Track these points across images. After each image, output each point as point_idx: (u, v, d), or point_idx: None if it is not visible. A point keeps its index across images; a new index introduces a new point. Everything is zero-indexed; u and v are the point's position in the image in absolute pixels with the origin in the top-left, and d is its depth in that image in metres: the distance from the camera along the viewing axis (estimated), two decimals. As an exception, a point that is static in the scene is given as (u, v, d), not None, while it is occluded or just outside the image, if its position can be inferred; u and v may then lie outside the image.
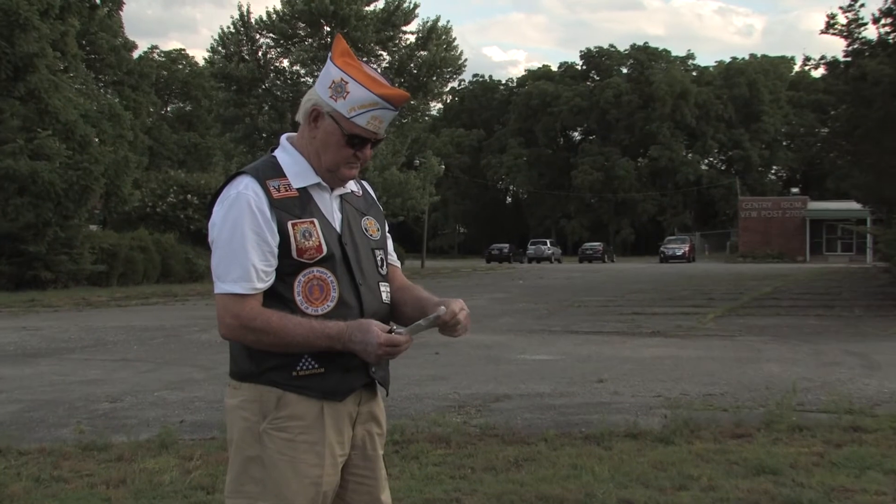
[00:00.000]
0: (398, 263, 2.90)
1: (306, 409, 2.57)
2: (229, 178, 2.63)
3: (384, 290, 2.74)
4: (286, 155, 2.67)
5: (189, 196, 36.95)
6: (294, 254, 2.55)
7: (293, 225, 2.56)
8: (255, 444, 2.58)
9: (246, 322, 2.50)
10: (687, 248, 66.83)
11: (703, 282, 33.02)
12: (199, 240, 36.03)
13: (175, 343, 13.98)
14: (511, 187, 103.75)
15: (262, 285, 2.53)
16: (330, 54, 2.62)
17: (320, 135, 2.62)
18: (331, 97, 2.57)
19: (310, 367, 2.56)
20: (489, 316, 18.53)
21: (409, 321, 2.67)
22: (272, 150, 2.71)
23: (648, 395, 8.92)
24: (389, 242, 2.86)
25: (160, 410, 8.23)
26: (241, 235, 2.52)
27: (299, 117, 2.68)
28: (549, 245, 72.70)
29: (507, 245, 71.62)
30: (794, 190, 78.89)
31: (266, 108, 50.34)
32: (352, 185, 2.77)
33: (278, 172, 2.62)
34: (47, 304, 22.63)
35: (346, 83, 2.55)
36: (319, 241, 2.58)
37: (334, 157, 2.61)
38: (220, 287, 2.54)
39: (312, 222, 2.59)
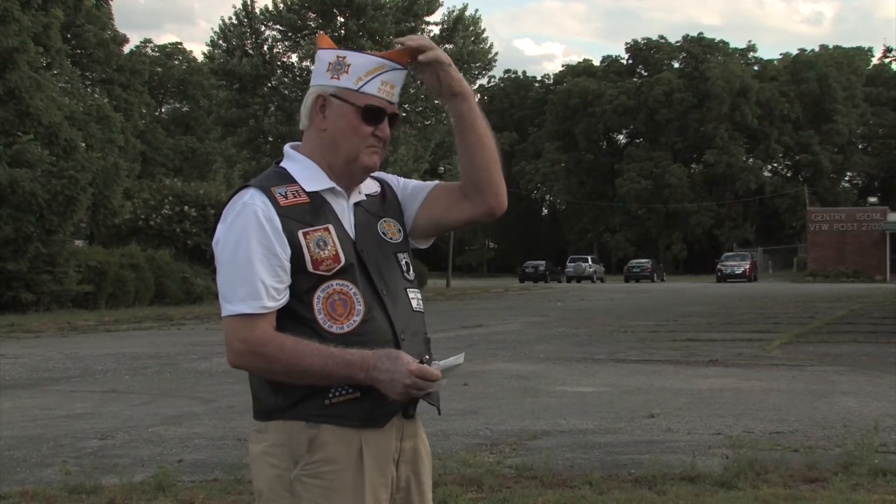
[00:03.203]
0: (434, 182, 2.89)
1: (344, 450, 2.56)
2: (232, 193, 2.65)
3: (413, 296, 2.73)
4: (294, 163, 2.70)
5: (186, 208, 37.17)
6: (310, 266, 2.55)
7: (305, 234, 2.56)
8: (287, 494, 2.56)
9: (256, 347, 2.50)
10: (748, 266, 66.55)
11: (767, 304, 32.83)
12: (197, 257, 36.28)
13: (171, 372, 14.05)
14: (547, 197, 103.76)
15: (273, 304, 2.53)
16: (316, 49, 2.71)
17: (331, 123, 2.65)
18: (332, 78, 2.63)
19: (344, 392, 2.55)
20: (524, 342, 18.50)
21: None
22: (278, 163, 2.74)
23: (706, 432, 8.87)
24: (414, 183, 2.86)
25: (156, 448, 8.26)
26: (247, 249, 2.52)
27: (303, 122, 2.71)
28: (590, 262, 72.63)
29: (542, 262, 71.64)
30: (872, 200, 78.38)
31: (272, 108, 50.56)
32: (368, 188, 2.76)
33: (286, 179, 2.64)
34: (28, 328, 22.81)
35: (344, 57, 2.63)
36: (336, 250, 2.58)
37: (352, 142, 2.63)
38: (227, 308, 2.54)
39: (327, 229, 2.60)
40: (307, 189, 2.62)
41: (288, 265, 2.55)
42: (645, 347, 17.33)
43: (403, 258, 2.75)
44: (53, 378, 13.54)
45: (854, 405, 10.47)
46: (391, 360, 2.48)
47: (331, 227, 2.60)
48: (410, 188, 2.85)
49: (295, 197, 2.60)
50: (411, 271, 2.77)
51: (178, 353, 16.74)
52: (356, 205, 2.71)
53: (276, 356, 2.49)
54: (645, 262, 72.92)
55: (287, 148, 2.76)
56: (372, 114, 2.62)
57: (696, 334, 19.86)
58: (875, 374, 13.23)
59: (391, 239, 2.74)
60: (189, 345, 18.45)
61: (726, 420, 9.50)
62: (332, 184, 2.65)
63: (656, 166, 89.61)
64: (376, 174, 2.81)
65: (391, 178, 2.87)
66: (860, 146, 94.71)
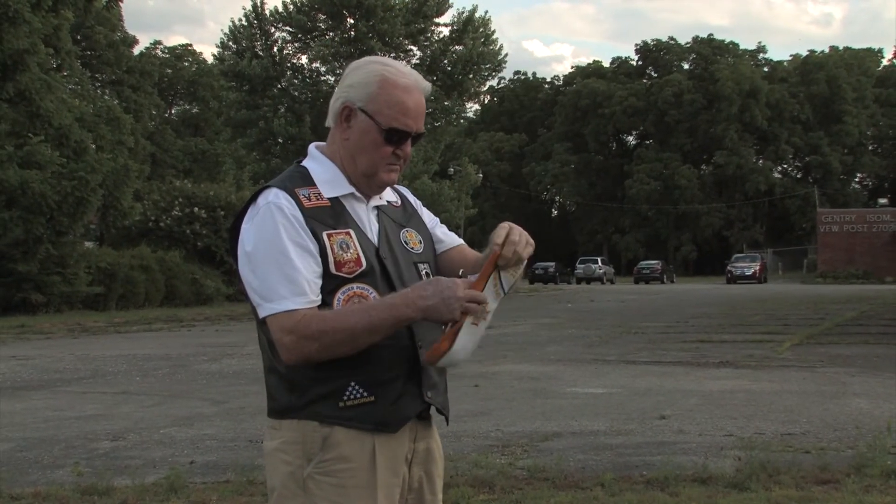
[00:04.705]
0: (461, 241, 2.90)
1: (357, 449, 2.56)
2: (254, 194, 2.65)
3: None
4: (315, 164, 2.70)
5: (196, 209, 37.21)
6: (332, 268, 2.56)
7: (328, 236, 2.57)
8: (300, 492, 2.57)
9: (302, 331, 2.48)
10: (758, 267, 66.49)
11: (778, 305, 32.76)
12: (207, 258, 36.33)
13: (182, 374, 14.07)
14: (557, 198, 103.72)
15: (317, 298, 2.52)
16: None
17: (354, 135, 2.64)
18: None
19: (358, 395, 2.55)
20: (534, 344, 18.49)
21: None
22: (299, 162, 2.74)
23: (718, 433, 8.86)
24: (442, 229, 2.89)
25: (167, 450, 8.28)
26: (283, 247, 2.52)
27: (329, 121, 2.71)
28: (600, 263, 72.56)
29: (552, 264, 71.49)
30: (882, 201, 78.26)
31: (282, 109, 50.70)
32: (389, 196, 2.78)
33: (307, 181, 2.65)
34: (39, 330, 22.86)
35: None
36: (358, 254, 2.59)
37: (371, 159, 2.63)
38: (269, 308, 2.52)
39: (348, 233, 2.60)
40: (326, 195, 2.63)
41: (320, 261, 2.55)
42: (655, 349, 17.31)
43: (424, 269, 2.75)
44: (64, 379, 13.56)
45: (866, 406, 10.44)
46: (432, 284, 2.49)
47: (352, 232, 2.61)
48: (439, 233, 2.88)
49: (317, 199, 2.61)
50: None
51: (188, 355, 16.76)
52: (378, 209, 2.73)
53: (322, 329, 2.47)
54: (655, 263, 72.88)
55: (311, 147, 2.76)
56: (395, 135, 2.62)
57: (707, 336, 19.81)
58: (887, 376, 13.19)
59: (412, 249, 2.75)
60: (199, 346, 18.48)
61: (738, 421, 9.48)
62: (351, 189, 2.67)
63: (666, 167, 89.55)
64: (397, 187, 2.84)
65: (413, 200, 2.88)
66: (870, 147, 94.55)
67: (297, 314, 2.49)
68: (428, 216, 2.89)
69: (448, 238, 2.88)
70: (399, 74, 2.64)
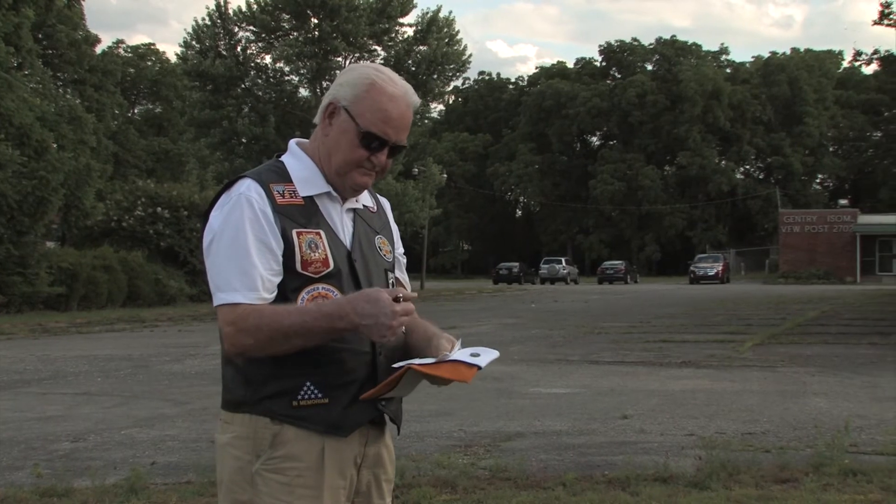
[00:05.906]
0: (408, 286, 2.91)
1: (306, 449, 2.57)
2: (229, 182, 2.66)
3: None
4: (294, 160, 2.71)
5: (159, 209, 36.97)
6: (298, 266, 2.57)
7: (298, 234, 2.58)
8: (247, 486, 2.58)
9: (241, 325, 2.50)
10: (720, 268, 66.95)
11: (740, 305, 33.00)
12: (170, 258, 36.10)
13: (144, 374, 13.99)
14: (521, 199, 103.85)
15: (269, 295, 2.54)
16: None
17: (333, 133, 2.65)
18: None
19: (312, 396, 2.56)
20: (498, 343, 18.48)
21: (412, 351, 2.68)
22: (278, 156, 2.75)
23: (679, 433, 8.92)
24: (401, 267, 2.89)
25: (128, 451, 8.23)
26: (245, 240, 2.54)
27: (316, 118, 2.73)
28: (564, 264, 72.75)
29: (516, 264, 71.72)
30: (843, 202, 78.86)
31: (246, 109, 50.52)
32: (367, 200, 2.79)
33: (283, 177, 2.65)
34: (-1, 330, 22.65)
35: None
36: (326, 255, 2.60)
37: (345, 157, 2.63)
38: (221, 297, 2.54)
39: (318, 233, 2.61)
40: (301, 193, 2.64)
41: (281, 259, 2.56)
42: (618, 349, 17.38)
43: (392, 277, 2.78)
44: (25, 380, 13.45)
45: (825, 406, 10.55)
46: (371, 302, 2.45)
47: (322, 233, 2.62)
48: (397, 271, 2.85)
49: (291, 197, 2.62)
50: None
51: (150, 355, 16.66)
52: (354, 211, 2.73)
53: (257, 325, 2.48)
54: (618, 263, 73.13)
55: (291, 143, 2.77)
56: (370, 140, 2.62)
57: (670, 336, 19.93)
58: (845, 375, 13.33)
59: (385, 257, 2.77)
60: (162, 346, 18.37)
61: (699, 421, 9.54)
62: (328, 188, 2.67)
63: (629, 168, 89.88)
64: (378, 195, 2.87)
65: (389, 214, 2.89)
66: (831, 149, 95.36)
67: (240, 307, 2.51)
68: (398, 240, 2.89)
69: (402, 280, 2.87)
70: (389, 83, 2.65)
